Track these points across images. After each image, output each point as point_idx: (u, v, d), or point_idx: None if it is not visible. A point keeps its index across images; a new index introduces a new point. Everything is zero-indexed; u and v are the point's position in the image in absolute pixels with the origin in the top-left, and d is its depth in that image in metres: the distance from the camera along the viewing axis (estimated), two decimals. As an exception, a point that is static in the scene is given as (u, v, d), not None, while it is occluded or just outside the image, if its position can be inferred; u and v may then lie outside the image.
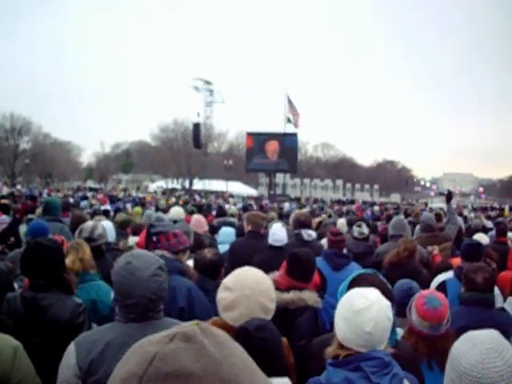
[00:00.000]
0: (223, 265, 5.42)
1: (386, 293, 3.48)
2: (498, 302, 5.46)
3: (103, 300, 4.86)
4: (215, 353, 0.90)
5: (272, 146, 57.19)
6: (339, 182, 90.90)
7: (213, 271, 5.16)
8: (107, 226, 7.09)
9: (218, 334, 0.97)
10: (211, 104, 73.23)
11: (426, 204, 45.75)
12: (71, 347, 2.95)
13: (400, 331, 4.02)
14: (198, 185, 75.79)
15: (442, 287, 5.50)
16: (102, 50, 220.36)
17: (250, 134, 60.06)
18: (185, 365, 0.87)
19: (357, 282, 3.34)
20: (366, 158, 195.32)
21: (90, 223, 6.26)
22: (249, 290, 3.10)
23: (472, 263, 5.26)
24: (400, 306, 4.39)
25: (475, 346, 2.14)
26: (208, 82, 72.71)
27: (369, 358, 2.67)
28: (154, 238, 4.97)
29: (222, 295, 3.15)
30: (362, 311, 2.73)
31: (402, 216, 13.96)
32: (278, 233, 7.05)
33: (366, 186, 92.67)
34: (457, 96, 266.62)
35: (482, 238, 8.33)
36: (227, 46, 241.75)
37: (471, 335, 2.23)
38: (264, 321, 2.97)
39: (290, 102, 57.84)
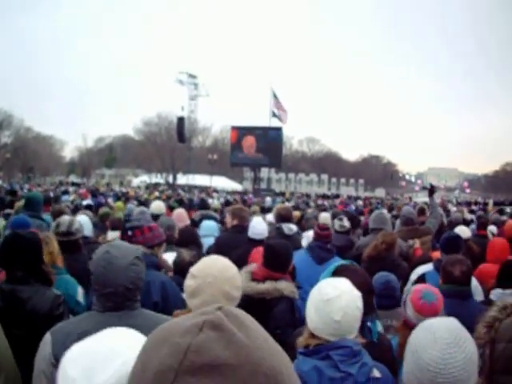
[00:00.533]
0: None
1: (367, 283, 3.58)
2: (478, 294, 5.50)
3: (71, 294, 4.81)
4: (244, 339, 0.91)
5: (248, 142, 57.27)
6: (324, 177, 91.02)
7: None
8: (84, 221, 7.05)
9: (240, 316, 0.96)
10: (196, 98, 72.93)
11: (410, 198, 46.05)
12: (47, 336, 2.97)
13: (378, 324, 4.04)
14: (182, 179, 75.55)
15: (421, 280, 5.55)
16: (86, 44, 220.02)
17: (234, 128, 60.11)
18: (218, 355, 0.87)
19: (338, 273, 3.38)
20: (351, 153, 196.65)
21: (66, 217, 6.21)
22: (211, 277, 3.11)
23: (450, 256, 5.24)
24: (378, 299, 4.45)
25: (436, 341, 2.15)
26: (192, 76, 72.34)
27: (338, 347, 2.72)
28: (130, 233, 4.99)
29: (188, 282, 3.18)
30: (332, 301, 2.77)
31: (383, 210, 13.94)
32: (257, 226, 7.12)
33: (351, 181, 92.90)
34: (443, 91, 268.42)
35: (463, 231, 8.34)
36: (212, 39, 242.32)
37: (431, 329, 2.23)
38: None
39: (275, 96, 57.89)
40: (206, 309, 0.97)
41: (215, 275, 3.15)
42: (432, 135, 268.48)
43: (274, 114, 58.07)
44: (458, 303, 4.52)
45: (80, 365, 1.72)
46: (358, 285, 3.00)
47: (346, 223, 8.71)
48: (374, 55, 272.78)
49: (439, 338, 2.14)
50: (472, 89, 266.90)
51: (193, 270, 3.25)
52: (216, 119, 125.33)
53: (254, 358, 0.88)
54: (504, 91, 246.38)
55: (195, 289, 3.13)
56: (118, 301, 3.05)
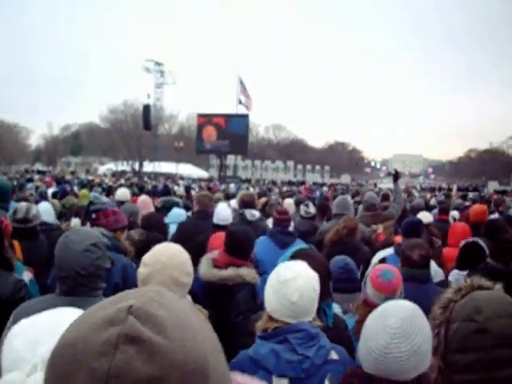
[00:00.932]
0: (152, 243, 5.45)
1: (325, 268, 3.61)
2: (438, 277, 5.59)
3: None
4: (163, 343, 0.85)
5: (209, 131, 57.06)
6: (290, 164, 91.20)
7: (142, 251, 5.18)
8: (45, 208, 7.00)
9: (153, 312, 0.88)
10: (162, 85, 72.31)
11: (375, 185, 46.23)
12: (11, 318, 3.00)
13: (335, 306, 4.10)
14: (149, 167, 75.07)
15: (382, 263, 5.54)
16: (51, 32, 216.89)
17: (200, 116, 59.81)
18: (142, 373, 0.81)
19: (296, 258, 3.38)
20: (317, 140, 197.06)
21: (23, 204, 6.19)
22: (161, 264, 3.17)
23: (410, 240, 5.31)
24: (336, 282, 4.47)
25: (384, 329, 2.18)
26: (159, 63, 71.70)
27: (296, 331, 2.74)
28: (93, 215, 5.08)
29: (139, 270, 3.24)
30: (288, 282, 2.80)
31: (347, 195, 14.06)
32: (222, 212, 7.15)
33: (317, 168, 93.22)
34: (407, 78, 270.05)
35: (425, 216, 8.47)
36: (179, 26, 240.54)
37: (383, 315, 2.27)
38: None
39: (242, 83, 57.68)
40: (115, 312, 0.88)
41: (164, 262, 3.20)
42: (397, 122, 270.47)
43: (241, 102, 57.92)
44: (417, 287, 4.56)
45: (25, 338, 1.76)
46: (315, 269, 3.02)
47: (312, 209, 8.83)
48: (339, 42, 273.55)
49: (388, 327, 2.17)
50: (437, 77, 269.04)
51: (144, 258, 3.29)
52: (182, 107, 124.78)
53: (179, 361, 0.84)
54: (470, 79, 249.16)
55: (146, 276, 3.18)
56: (70, 285, 3.11)
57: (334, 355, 2.83)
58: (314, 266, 3.08)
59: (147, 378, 0.81)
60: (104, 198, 10.56)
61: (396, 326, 2.17)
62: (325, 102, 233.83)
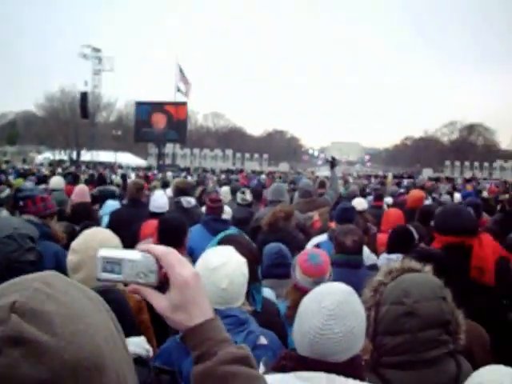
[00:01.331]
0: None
1: (252, 253, 3.58)
2: (371, 262, 5.66)
3: None
4: (51, 343, 0.79)
5: (158, 118, 56.55)
6: (229, 152, 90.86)
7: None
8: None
9: (38, 306, 0.82)
10: (99, 72, 70.86)
11: (312, 172, 46.59)
12: None
13: (268, 291, 4.16)
14: (86, 156, 73.57)
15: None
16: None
17: (139, 104, 59.18)
18: (31, 377, 0.76)
19: (224, 243, 3.37)
20: (255, 128, 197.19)
21: None
22: (93, 251, 3.04)
23: (342, 226, 5.38)
24: (270, 268, 4.65)
25: (320, 311, 2.17)
26: (96, 50, 70.10)
27: (224, 317, 2.68)
28: (21, 203, 4.92)
29: (69, 257, 3.17)
30: (218, 269, 2.78)
31: (283, 183, 14.17)
32: (158, 200, 7.16)
33: (256, 156, 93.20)
34: (344, 68, 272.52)
35: (359, 202, 8.60)
36: (117, 12, 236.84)
37: (318, 297, 2.26)
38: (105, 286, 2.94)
39: (181, 71, 57.25)
40: None
41: (96, 248, 3.08)
42: (335, 111, 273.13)
43: (179, 89, 57.54)
44: (350, 272, 4.59)
45: None
46: (242, 254, 3.02)
47: (248, 196, 8.90)
48: (277, 29, 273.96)
49: (323, 309, 2.16)
50: (374, 66, 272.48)
51: (73, 244, 3.22)
52: (120, 94, 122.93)
53: (70, 360, 0.79)
54: (409, 67, 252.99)
55: (77, 263, 3.12)
56: None
57: (263, 340, 2.82)
58: (241, 250, 3.09)
59: (38, 382, 0.76)
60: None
61: (331, 308, 2.16)
62: (263, 90, 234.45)
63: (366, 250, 5.58)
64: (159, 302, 1.29)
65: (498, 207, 12.06)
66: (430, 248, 4.43)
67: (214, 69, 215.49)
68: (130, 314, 2.95)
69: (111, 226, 7.02)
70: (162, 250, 1.30)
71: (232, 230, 4.51)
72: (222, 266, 2.79)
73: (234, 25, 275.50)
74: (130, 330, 2.81)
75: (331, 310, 2.16)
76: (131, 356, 0.96)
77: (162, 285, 1.30)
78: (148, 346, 2.34)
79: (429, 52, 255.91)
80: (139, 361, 2.08)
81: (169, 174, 31.99)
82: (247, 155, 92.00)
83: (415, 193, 10.44)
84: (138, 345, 2.27)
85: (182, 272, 1.29)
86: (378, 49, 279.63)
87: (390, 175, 35.11)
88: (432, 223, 5.04)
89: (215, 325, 1.35)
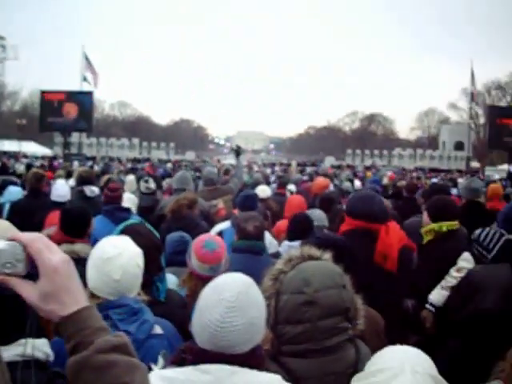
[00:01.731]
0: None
1: (154, 242, 3.60)
2: (273, 248, 5.71)
3: None
4: None
5: (68, 108, 55.38)
6: (136, 141, 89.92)
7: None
8: None
9: None
10: (3, 60, 68.79)
11: (218, 161, 46.78)
12: None
13: (172, 278, 4.17)
14: (-10, 145, 71.48)
15: (219, 236, 5.57)
16: None
17: (44, 92, 57.76)
18: None
19: (125, 233, 3.32)
20: (162, 117, 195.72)
21: None
22: None
23: (244, 213, 5.44)
24: (172, 256, 4.68)
25: (220, 303, 2.13)
26: (0, 37, 68.03)
27: (117, 306, 2.69)
28: None
29: None
30: (112, 259, 2.74)
31: (189, 171, 14.25)
32: (59, 189, 7.26)
33: (162, 145, 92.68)
34: (251, 58, 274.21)
35: (263, 190, 8.78)
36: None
37: (218, 288, 2.21)
38: None
39: (87, 59, 56.13)
40: None
41: None
42: (242, 100, 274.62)
43: (85, 79, 56.48)
44: (251, 258, 4.61)
45: None
46: (143, 243, 3.00)
47: (152, 185, 8.96)
48: (184, 19, 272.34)
49: (223, 300, 2.12)
50: (279, 58, 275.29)
51: None
52: (25, 83, 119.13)
53: None
54: (312, 59, 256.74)
55: None
56: None
57: (158, 329, 2.81)
58: (142, 240, 3.07)
59: None
60: None
61: (232, 300, 2.11)
62: (171, 79, 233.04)
63: (268, 236, 5.68)
64: (28, 291, 1.24)
65: (390, 192, 12.65)
66: (329, 234, 4.47)
67: (119, 57, 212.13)
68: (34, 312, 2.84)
69: (12, 217, 6.94)
70: (28, 236, 1.25)
71: (134, 220, 4.47)
72: (117, 256, 2.74)
73: (139, 11, 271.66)
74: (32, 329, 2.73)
75: (231, 302, 2.11)
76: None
77: (33, 274, 1.24)
78: (49, 350, 2.26)
79: (334, 44, 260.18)
80: (37, 364, 2.00)
81: (75, 163, 31.46)
82: (154, 144, 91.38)
83: (320, 180, 10.67)
84: (38, 348, 2.17)
85: (51, 258, 1.25)
86: (281, 41, 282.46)
87: (293, 163, 35.65)
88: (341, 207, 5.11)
89: (91, 313, 1.30)
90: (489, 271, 4.04)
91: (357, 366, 2.46)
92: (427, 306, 4.60)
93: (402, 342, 2.21)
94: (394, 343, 2.23)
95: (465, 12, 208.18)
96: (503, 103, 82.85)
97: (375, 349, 2.31)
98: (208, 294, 2.21)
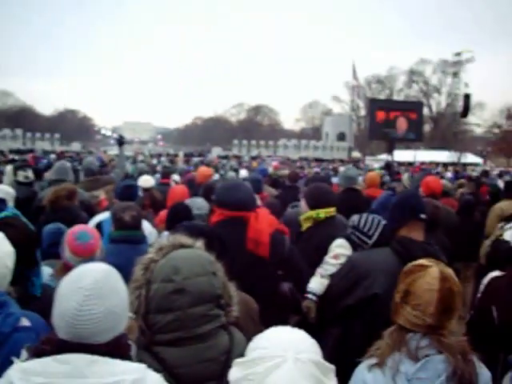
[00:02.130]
0: None
1: (29, 236, 3.50)
2: (153, 238, 5.61)
3: None
4: None
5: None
6: (19, 132, 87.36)
7: None
8: None
9: None
10: None
11: (105, 151, 46.14)
12: None
13: (48, 270, 4.00)
14: None
15: (98, 227, 5.52)
16: None
17: None
18: None
19: None
20: (47, 107, 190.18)
21: None
22: None
23: (120, 203, 5.45)
24: (48, 248, 4.53)
25: (78, 291, 2.09)
26: None
27: None
28: None
29: None
30: None
31: (65, 162, 14.04)
32: None
33: (47, 136, 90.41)
34: (149, 53, 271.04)
35: (146, 180, 8.88)
36: None
37: (76, 277, 2.17)
38: None
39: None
40: None
41: None
42: (128, 91, 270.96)
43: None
44: (129, 248, 4.56)
45: None
46: (17, 238, 2.94)
47: (31, 174, 8.77)
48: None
49: (82, 289, 2.08)
50: (168, 48, 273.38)
51: None
52: None
53: None
54: (199, 51, 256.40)
55: None
56: None
57: (25, 322, 2.72)
58: (16, 235, 3.00)
59: None
60: None
61: (90, 288, 2.08)
62: (51, 66, 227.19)
63: (148, 226, 5.69)
64: None
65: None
66: (196, 223, 4.46)
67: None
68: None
69: None
70: None
71: (8, 212, 4.33)
72: None
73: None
74: None
75: (89, 290, 2.08)
76: None
77: None
78: None
79: (220, 36, 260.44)
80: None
81: None
82: (38, 135, 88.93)
83: (203, 169, 10.77)
84: None
85: None
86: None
87: (180, 153, 35.84)
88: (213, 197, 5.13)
89: None
90: (372, 256, 4.09)
91: (230, 353, 2.49)
92: (309, 295, 4.55)
93: (282, 325, 2.20)
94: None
95: (356, 12, 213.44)
96: (382, 96, 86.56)
97: (250, 334, 2.30)
98: (67, 282, 2.17)
